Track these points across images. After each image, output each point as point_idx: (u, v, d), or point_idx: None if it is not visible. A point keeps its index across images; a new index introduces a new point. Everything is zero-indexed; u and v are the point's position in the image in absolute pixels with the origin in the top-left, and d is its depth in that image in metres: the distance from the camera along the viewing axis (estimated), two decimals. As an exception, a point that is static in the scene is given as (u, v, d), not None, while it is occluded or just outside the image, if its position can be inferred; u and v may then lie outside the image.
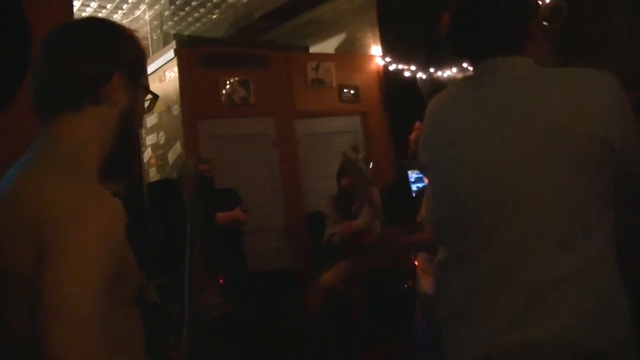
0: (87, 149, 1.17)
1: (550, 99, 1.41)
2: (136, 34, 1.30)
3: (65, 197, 1.05)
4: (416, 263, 3.38)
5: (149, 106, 1.32)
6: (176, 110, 5.70)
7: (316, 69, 6.29)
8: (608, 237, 1.41)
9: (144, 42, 1.32)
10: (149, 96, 1.31)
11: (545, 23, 1.56)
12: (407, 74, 6.41)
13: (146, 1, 7.30)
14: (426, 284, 3.16)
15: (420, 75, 6.38)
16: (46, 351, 0.95)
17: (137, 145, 1.32)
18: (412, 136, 3.30)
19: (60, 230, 1.01)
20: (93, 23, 1.29)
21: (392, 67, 6.46)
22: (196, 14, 7.87)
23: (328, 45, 7.59)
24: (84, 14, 7.21)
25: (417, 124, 3.25)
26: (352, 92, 6.47)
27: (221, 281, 4.28)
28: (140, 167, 1.26)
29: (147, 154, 6.37)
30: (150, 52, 7.21)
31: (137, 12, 7.54)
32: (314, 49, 7.31)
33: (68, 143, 1.15)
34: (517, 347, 1.37)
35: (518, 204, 1.40)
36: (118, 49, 1.22)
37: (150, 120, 6.13)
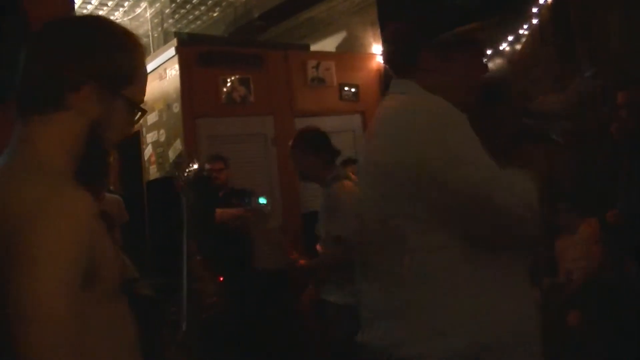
0: (55, 154, 1.13)
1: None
2: (133, 41, 1.21)
3: (27, 195, 1.02)
4: None
5: (134, 119, 1.24)
6: (176, 108, 5.70)
7: (316, 67, 6.29)
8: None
9: (141, 51, 1.23)
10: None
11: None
12: (407, 73, 6.40)
13: (147, -1, 7.30)
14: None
15: (420, 74, 6.38)
16: (22, 353, 0.94)
17: (107, 157, 1.24)
18: None
19: (24, 229, 0.99)
20: (78, 25, 1.23)
21: (392, 66, 6.45)
22: (196, 12, 7.87)
23: (328, 44, 7.59)
24: (84, 12, 7.21)
25: None
26: (352, 90, 6.47)
27: (221, 279, 4.26)
28: (109, 179, 1.19)
29: (148, 151, 6.38)
30: (151, 50, 7.22)
31: (138, 10, 7.54)
32: (314, 48, 7.30)
33: (36, 148, 1.12)
34: None
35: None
36: (94, 57, 1.15)
37: (151, 118, 6.13)
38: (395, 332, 1.47)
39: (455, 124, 1.47)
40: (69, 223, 1.02)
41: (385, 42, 1.72)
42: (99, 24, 1.21)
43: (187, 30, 8.09)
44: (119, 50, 1.18)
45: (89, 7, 7.14)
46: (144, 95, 1.26)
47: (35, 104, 1.15)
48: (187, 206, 1.96)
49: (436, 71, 1.57)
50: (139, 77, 1.22)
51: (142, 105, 1.25)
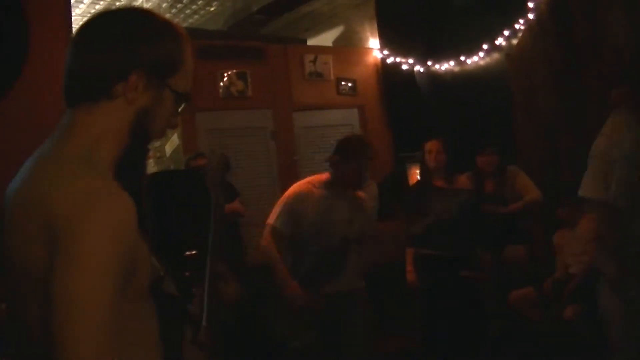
0: (101, 144, 1.13)
1: None
2: (177, 31, 1.22)
3: (75, 191, 1.02)
4: None
5: (179, 109, 1.24)
6: (173, 102, 5.68)
7: (314, 61, 6.28)
8: None
9: (186, 41, 1.24)
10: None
11: None
12: (404, 67, 6.40)
13: (144, -7, 7.27)
14: None
15: (418, 68, 6.38)
16: (62, 350, 0.94)
17: (148, 147, 1.26)
18: None
19: (71, 226, 0.99)
20: (125, 16, 1.22)
21: (389, 60, 6.45)
22: (194, 6, 7.84)
23: (326, 38, 7.57)
24: (81, 6, 7.18)
25: None
26: (349, 85, 6.46)
27: None
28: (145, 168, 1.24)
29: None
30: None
31: (135, 4, 7.51)
32: (311, 42, 7.28)
33: (82, 137, 1.12)
34: None
35: None
36: (141, 46, 1.16)
37: (148, 112, 6.10)
38: None
39: None
40: (117, 222, 1.02)
41: None
42: (144, 14, 1.22)
43: (184, 25, 8.05)
44: (165, 40, 1.19)
45: (85, 0, 7.11)
46: (190, 85, 1.26)
47: (83, 93, 1.15)
48: (217, 203, 1.95)
49: None
50: (185, 66, 1.23)
51: (188, 95, 1.25)
